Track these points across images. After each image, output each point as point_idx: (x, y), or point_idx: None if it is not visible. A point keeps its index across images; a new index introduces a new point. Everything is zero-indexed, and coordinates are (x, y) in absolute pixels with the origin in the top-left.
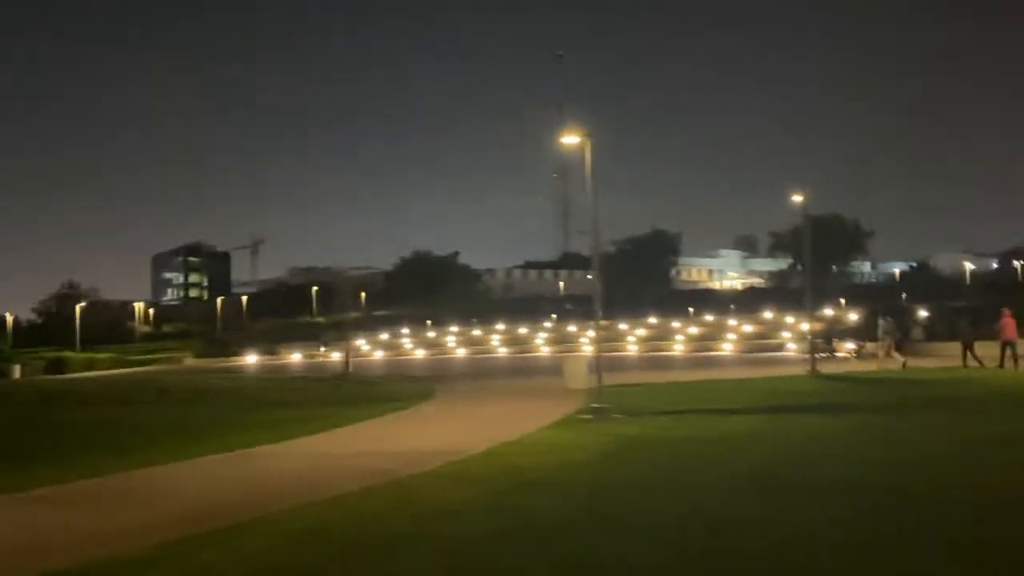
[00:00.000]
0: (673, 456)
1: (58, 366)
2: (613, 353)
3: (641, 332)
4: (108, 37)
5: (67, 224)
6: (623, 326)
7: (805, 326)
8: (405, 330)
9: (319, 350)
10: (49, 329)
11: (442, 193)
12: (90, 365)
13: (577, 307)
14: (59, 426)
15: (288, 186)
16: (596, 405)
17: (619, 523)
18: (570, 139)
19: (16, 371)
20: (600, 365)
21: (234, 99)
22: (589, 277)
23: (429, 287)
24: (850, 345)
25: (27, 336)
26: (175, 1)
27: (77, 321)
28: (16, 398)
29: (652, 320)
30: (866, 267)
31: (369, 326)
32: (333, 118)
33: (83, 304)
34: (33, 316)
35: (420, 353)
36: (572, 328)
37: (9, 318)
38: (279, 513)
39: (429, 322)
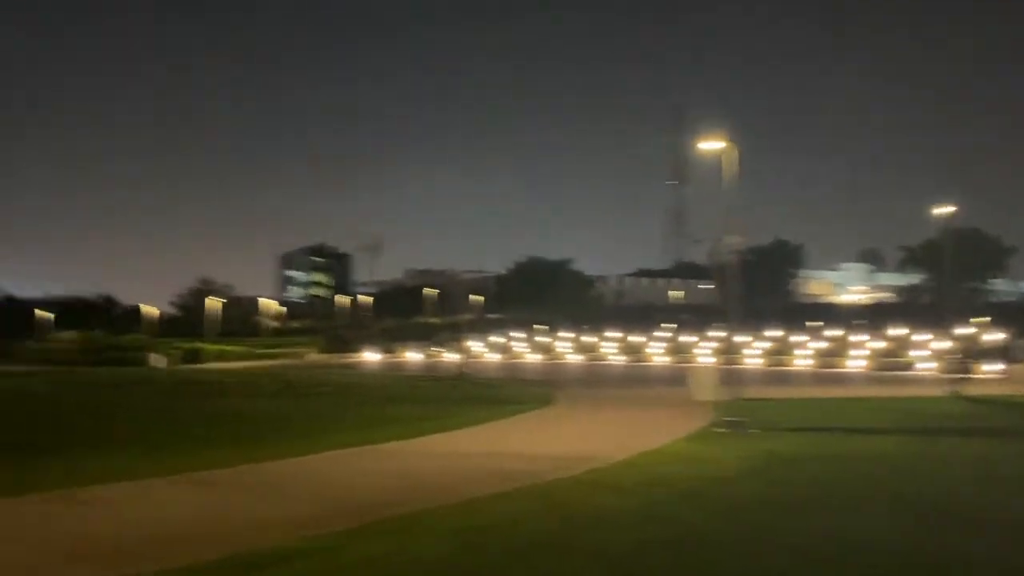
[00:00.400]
0: (820, 475)
1: (194, 356)
2: (733, 366)
3: (761, 345)
4: (255, 44)
5: (200, 224)
6: (741, 338)
7: (939, 344)
8: (517, 333)
9: (434, 350)
10: (185, 322)
11: (558, 198)
12: (221, 356)
13: (693, 317)
14: (199, 415)
15: (408, 190)
16: (731, 418)
17: (771, 541)
18: (711, 145)
19: (161, 361)
20: (731, 378)
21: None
22: (701, 287)
23: (541, 292)
24: (995, 366)
25: (164, 327)
26: None
27: (218, 315)
28: (160, 386)
29: (773, 333)
30: (1003, 285)
31: (482, 328)
32: (451, 123)
33: (223, 301)
34: (171, 309)
35: (532, 357)
36: (689, 338)
37: (153, 311)
38: (424, 511)
39: (543, 327)
